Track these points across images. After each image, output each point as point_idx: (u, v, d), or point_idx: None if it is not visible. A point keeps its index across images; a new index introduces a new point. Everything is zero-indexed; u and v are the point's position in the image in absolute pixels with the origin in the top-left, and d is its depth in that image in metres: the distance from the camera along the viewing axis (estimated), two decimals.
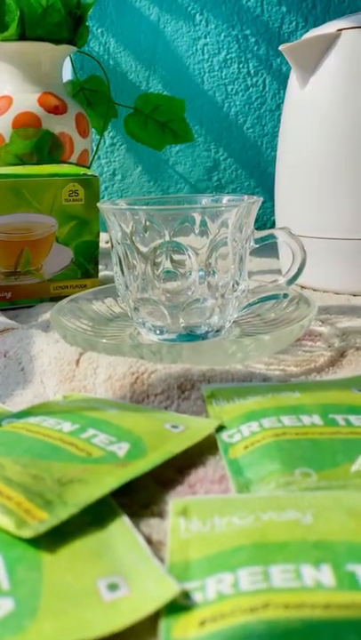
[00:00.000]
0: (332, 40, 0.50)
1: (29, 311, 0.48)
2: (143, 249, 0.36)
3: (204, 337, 0.38)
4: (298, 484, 0.22)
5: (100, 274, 0.57)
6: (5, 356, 0.37)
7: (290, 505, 0.21)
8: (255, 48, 0.86)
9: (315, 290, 0.52)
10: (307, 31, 0.70)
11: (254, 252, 0.40)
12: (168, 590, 0.17)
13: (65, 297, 0.44)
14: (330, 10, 0.86)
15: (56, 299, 0.50)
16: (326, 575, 0.17)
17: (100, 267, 0.60)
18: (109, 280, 0.55)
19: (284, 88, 0.86)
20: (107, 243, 0.75)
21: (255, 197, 0.38)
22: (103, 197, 0.90)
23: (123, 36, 0.86)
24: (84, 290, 0.48)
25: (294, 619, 0.16)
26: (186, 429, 0.27)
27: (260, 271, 0.61)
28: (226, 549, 0.19)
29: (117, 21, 0.86)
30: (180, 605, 0.17)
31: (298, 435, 0.25)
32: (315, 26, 0.84)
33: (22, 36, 0.63)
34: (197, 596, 0.17)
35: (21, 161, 0.63)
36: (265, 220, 0.86)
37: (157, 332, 0.38)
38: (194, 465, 0.25)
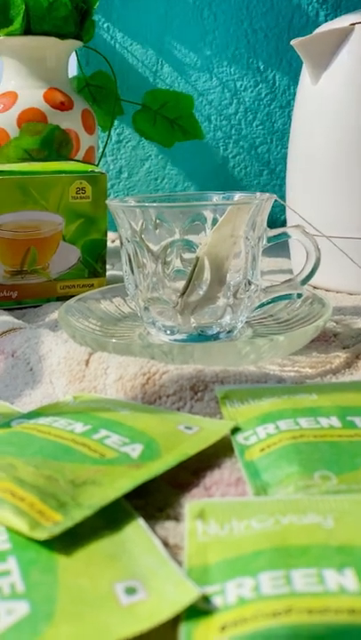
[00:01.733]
0: (345, 34, 0.50)
1: (36, 311, 0.49)
2: (153, 247, 0.36)
3: (215, 337, 0.38)
4: (318, 487, 0.22)
5: (108, 273, 0.57)
6: (13, 355, 0.37)
7: (310, 508, 0.21)
8: (265, 43, 0.87)
9: (327, 290, 0.52)
10: (317, 26, 0.70)
11: (264, 252, 0.40)
12: (188, 594, 0.17)
13: (72, 297, 0.44)
14: (341, 4, 0.86)
15: (63, 298, 0.50)
16: (350, 580, 0.17)
17: (107, 266, 0.60)
18: (117, 280, 0.55)
19: (295, 84, 0.86)
20: (113, 242, 0.76)
21: (268, 194, 0.38)
22: (110, 196, 0.90)
23: (129, 30, 0.87)
24: (91, 289, 0.48)
25: (318, 624, 0.16)
26: (200, 431, 0.26)
27: (271, 271, 0.61)
28: (246, 553, 0.19)
29: (124, 16, 0.86)
30: (200, 610, 0.17)
31: (316, 437, 0.25)
32: (326, 20, 0.85)
33: (27, 31, 0.63)
34: (217, 601, 0.17)
35: (30, 156, 0.63)
36: (275, 218, 0.86)
37: (168, 332, 0.38)
38: (209, 467, 0.25)
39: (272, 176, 0.90)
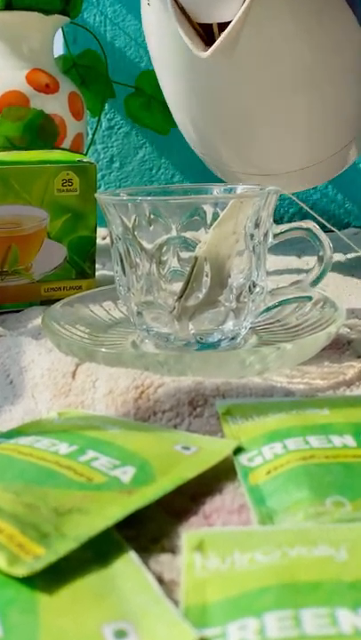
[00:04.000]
0: None
1: (17, 316, 0.48)
2: (147, 245, 0.36)
3: (216, 346, 0.38)
4: (330, 514, 0.22)
5: (98, 273, 0.57)
6: None
7: (321, 539, 0.20)
8: None
9: None
10: None
11: (270, 250, 0.40)
12: (184, 638, 0.17)
13: (57, 300, 0.44)
14: None
15: (47, 302, 0.50)
16: None
17: (97, 266, 0.60)
18: (108, 281, 0.54)
19: None
20: (103, 239, 0.75)
21: (274, 187, 0.37)
22: (100, 187, 0.90)
23: (121, 4, 0.87)
24: (79, 292, 0.48)
25: None
26: (199, 451, 0.26)
27: (278, 271, 0.61)
28: (249, 590, 0.19)
29: None
30: None
31: (328, 458, 0.25)
32: None
33: (8, 6, 0.63)
34: None
35: (11, 144, 0.63)
36: (282, 212, 0.86)
37: (164, 339, 0.38)
38: (209, 492, 0.25)
39: None
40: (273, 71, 0.50)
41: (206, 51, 0.48)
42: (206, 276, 0.36)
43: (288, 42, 0.49)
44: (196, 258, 0.36)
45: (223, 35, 0.46)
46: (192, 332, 0.37)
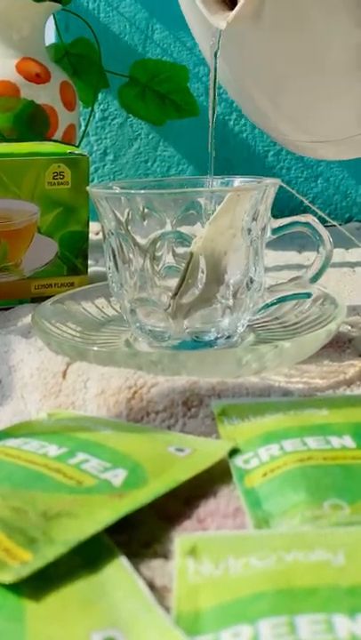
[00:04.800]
0: None
1: (6, 314, 0.48)
2: (141, 240, 0.36)
3: (212, 344, 0.38)
4: (327, 518, 0.22)
5: (90, 270, 0.57)
6: None
7: (318, 543, 0.20)
8: None
9: None
10: None
11: (270, 245, 0.40)
12: None
13: (48, 297, 0.44)
14: None
15: (37, 299, 0.50)
16: None
17: (89, 262, 0.60)
18: (101, 277, 0.54)
19: None
20: (97, 234, 0.75)
21: (273, 179, 0.37)
22: (93, 180, 0.90)
23: None
24: (71, 289, 0.48)
25: None
26: (193, 453, 0.26)
27: (277, 266, 0.61)
28: (243, 596, 0.19)
29: None
30: None
31: (326, 459, 0.25)
32: None
33: None
34: None
35: (1, 136, 0.63)
36: (281, 207, 0.86)
37: (158, 338, 0.38)
38: (203, 495, 0.25)
39: (278, 158, 0.90)
40: (306, 39, 0.47)
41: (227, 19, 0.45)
42: (202, 272, 0.36)
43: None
44: (191, 254, 0.36)
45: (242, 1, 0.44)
46: (187, 329, 0.37)
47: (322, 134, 0.55)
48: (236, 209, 0.35)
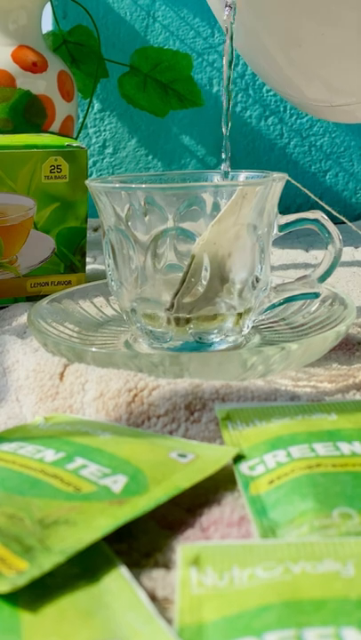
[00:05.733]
0: None
1: (1, 313, 0.48)
2: (142, 237, 0.36)
3: (216, 345, 0.38)
4: (336, 527, 0.22)
5: (88, 268, 0.57)
6: None
7: (327, 553, 0.20)
8: None
9: None
10: None
11: (276, 242, 0.40)
12: None
13: (45, 296, 0.44)
14: None
15: (33, 298, 0.50)
16: None
17: (87, 259, 0.60)
18: (99, 276, 0.54)
19: None
20: (95, 231, 0.76)
21: (280, 174, 0.38)
22: (92, 174, 0.90)
23: None
24: (68, 287, 0.48)
25: None
26: (196, 459, 0.26)
27: (283, 265, 0.62)
28: (249, 609, 0.19)
29: None
30: None
31: (335, 466, 0.25)
32: None
33: None
34: None
35: None
36: (288, 203, 0.86)
37: (159, 338, 0.38)
38: (207, 503, 0.25)
39: (285, 152, 0.90)
40: None
41: None
42: (205, 270, 0.36)
43: None
44: (193, 256, 0.36)
45: None
46: (190, 330, 0.37)
47: (338, 91, 0.54)
48: (241, 211, 0.35)
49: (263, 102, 0.89)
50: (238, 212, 0.35)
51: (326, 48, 0.51)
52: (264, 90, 0.88)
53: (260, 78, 0.84)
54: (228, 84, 0.45)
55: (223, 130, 0.45)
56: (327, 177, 0.90)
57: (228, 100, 0.45)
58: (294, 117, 0.89)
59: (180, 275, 0.36)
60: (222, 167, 0.43)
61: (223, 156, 0.45)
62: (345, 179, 0.90)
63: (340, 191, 0.91)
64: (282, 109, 0.89)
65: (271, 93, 0.89)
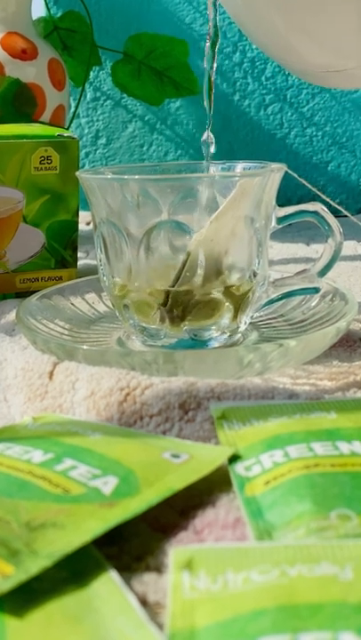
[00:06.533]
0: None
1: None
2: (135, 230, 0.36)
3: (211, 343, 0.38)
4: (334, 529, 0.22)
5: (80, 262, 0.57)
6: None
7: (325, 556, 0.20)
8: None
9: None
10: None
11: (275, 236, 0.40)
12: None
13: (34, 292, 0.44)
14: None
15: (23, 294, 0.50)
16: None
17: (79, 254, 0.60)
18: (92, 271, 0.54)
19: None
20: (87, 224, 0.75)
21: (278, 165, 0.38)
22: (84, 166, 0.90)
23: None
24: (59, 283, 0.48)
25: None
26: (190, 460, 0.26)
27: (283, 259, 0.62)
28: (243, 613, 0.19)
29: None
30: None
31: (334, 467, 0.25)
32: None
33: None
34: None
35: None
36: (289, 195, 0.86)
37: (153, 335, 0.38)
38: (201, 505, 0.25)
39: (285, 142, 0.90)
40: None
41: None
42: (201, 264, 0.36)
43: None
44: (188, 253, 0.36)
45: None
46: (184, 327, 0.37)
47: (338, 56, 0.54)
48: (239, 207, 0.35)
49: (262, 91, 0.89)
50: (237, 208, 0.35)
51: (326, 10, 0.51)
52: (263, 77, 0.88)
53: (257, 47, 0.83)
54: (216, 33, 0.45)
55: (205, 103, 0.45)
56: (329, 168, 0.90)
57: (213, 56, 0.45)
58: (295, 106, 0.89)
59: (174, 270, 0.36)
60: (203, 136, 0.43)
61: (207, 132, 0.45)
62: (347, 170, 0.91)
63: (342, 183, 0.91)
64: (282, 98, 0.89)
65: (271, 81, 0.89)
